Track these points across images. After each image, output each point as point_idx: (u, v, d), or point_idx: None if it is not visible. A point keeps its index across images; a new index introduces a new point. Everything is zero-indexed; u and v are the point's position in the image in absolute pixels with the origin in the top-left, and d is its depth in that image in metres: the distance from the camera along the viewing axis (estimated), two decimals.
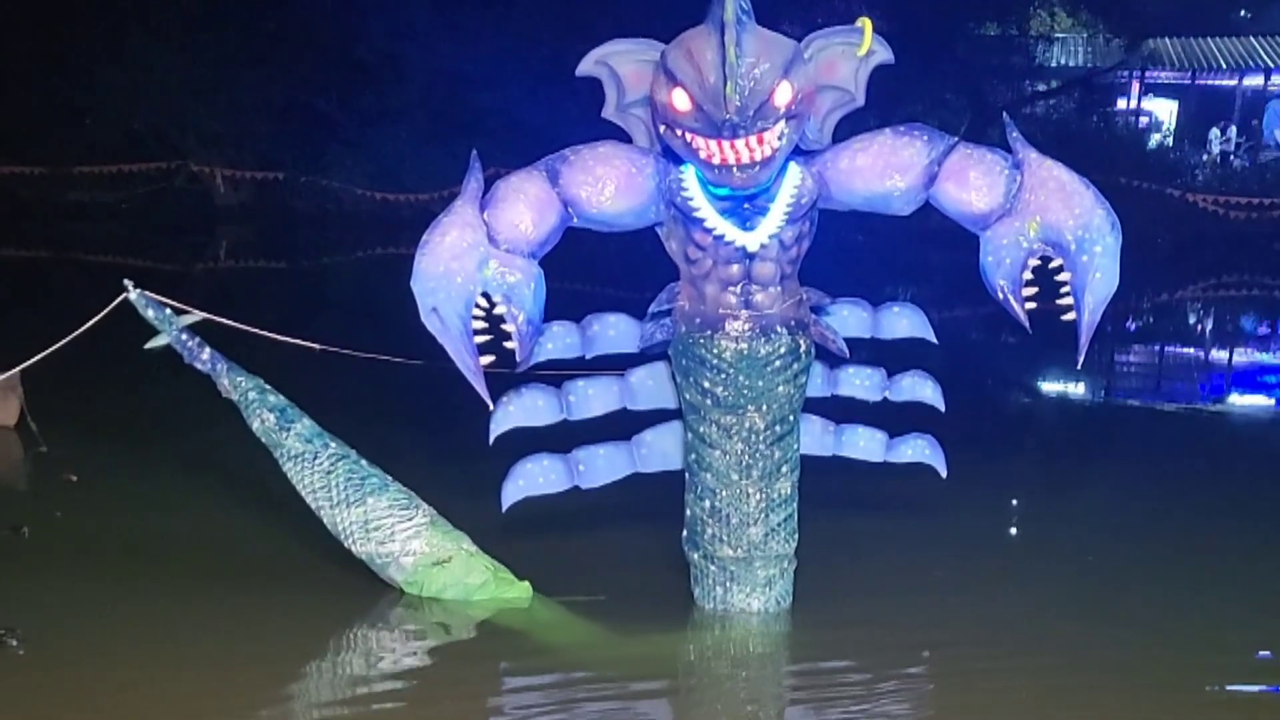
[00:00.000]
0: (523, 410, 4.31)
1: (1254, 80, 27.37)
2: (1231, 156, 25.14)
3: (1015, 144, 3.91)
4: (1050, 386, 10.03)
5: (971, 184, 3.93)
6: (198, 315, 4.66)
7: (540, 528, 4.87)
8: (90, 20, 21.63)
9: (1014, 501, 6.18)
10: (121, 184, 22.53)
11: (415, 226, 4.22)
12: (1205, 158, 24.42)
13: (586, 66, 4.04)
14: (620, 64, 4.00)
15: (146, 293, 4.58)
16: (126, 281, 4.52)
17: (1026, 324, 3.94)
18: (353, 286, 15.75)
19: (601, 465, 4.49)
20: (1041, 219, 3.85)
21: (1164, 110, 28.67)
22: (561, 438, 4.47)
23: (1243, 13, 29.40)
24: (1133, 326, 13.23)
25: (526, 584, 4.63)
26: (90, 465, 6.16)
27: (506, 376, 4.13)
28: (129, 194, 22.30)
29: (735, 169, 3.68)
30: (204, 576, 4.79)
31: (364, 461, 4.64)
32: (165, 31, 21.86)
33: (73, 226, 19.47)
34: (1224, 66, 27.34)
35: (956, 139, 4.01)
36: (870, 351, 4.67)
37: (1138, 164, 21.37)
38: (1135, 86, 27.48)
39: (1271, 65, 26.93)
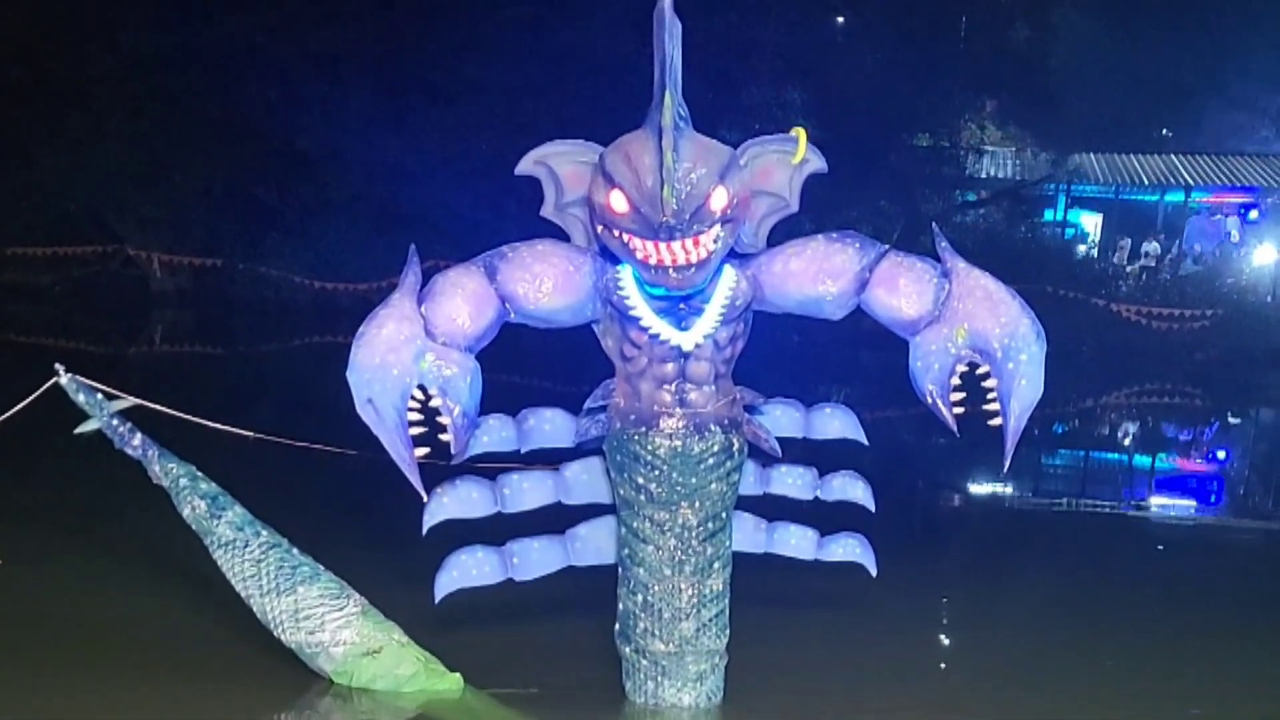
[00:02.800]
0: (457, 502, 4.30)
1: (1175, 196, 28.13)
2: (1156, 269, 25.72)
3: (944, 253, 3.99)
4: (978, 488, 10.12)
5: (901, 291, 3.99)
6: (129, 401, 4.63)
7: (473, 619, 4.84)
8: (28, 102, 21.53)
9: (944, 599, 6.21)
10: (56, 266, 22.33)
11: (353, 316, 4.23)
12: (1128, 269, 24.96)
13: (526, 166, 4.10)
14: (559, 164, 4.06)
15: (78, 377, 4.55)
16: (58, 365, 4.49)
17: (954, 428, 4.00)
18: (289, 374, 15.60)
19: (535, 558, 4.48)
20: (969, 326, 3.92)
21: (1090, 222, 29.26)
22: (496, 530, 4.46)
23: (1164, 131, 30.37)
24: (1058, 431, 13.41)
25: (458, 675, 4.58)
26: (19, 550, 6.02)
27: (441, 468, 4.13)
28: (64, 276, 22.10)
29: (671, 270, 3.72)
30: (132, 666, 4.70)
31: (295, 550, 4.60)
32: (105, 116, 21.79)
33: (6, 308, 19.17)
34: (1146, 182, 28.08)
35: (888, 247, 4.08)
36: (802, 451, 4.72)
37: (1064, 273, 21.75)
38: (1062, 199, 28.10)
39: (1191, 183, 27.71)
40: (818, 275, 4.01)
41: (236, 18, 20.86)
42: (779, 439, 4.39)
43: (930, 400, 4.00)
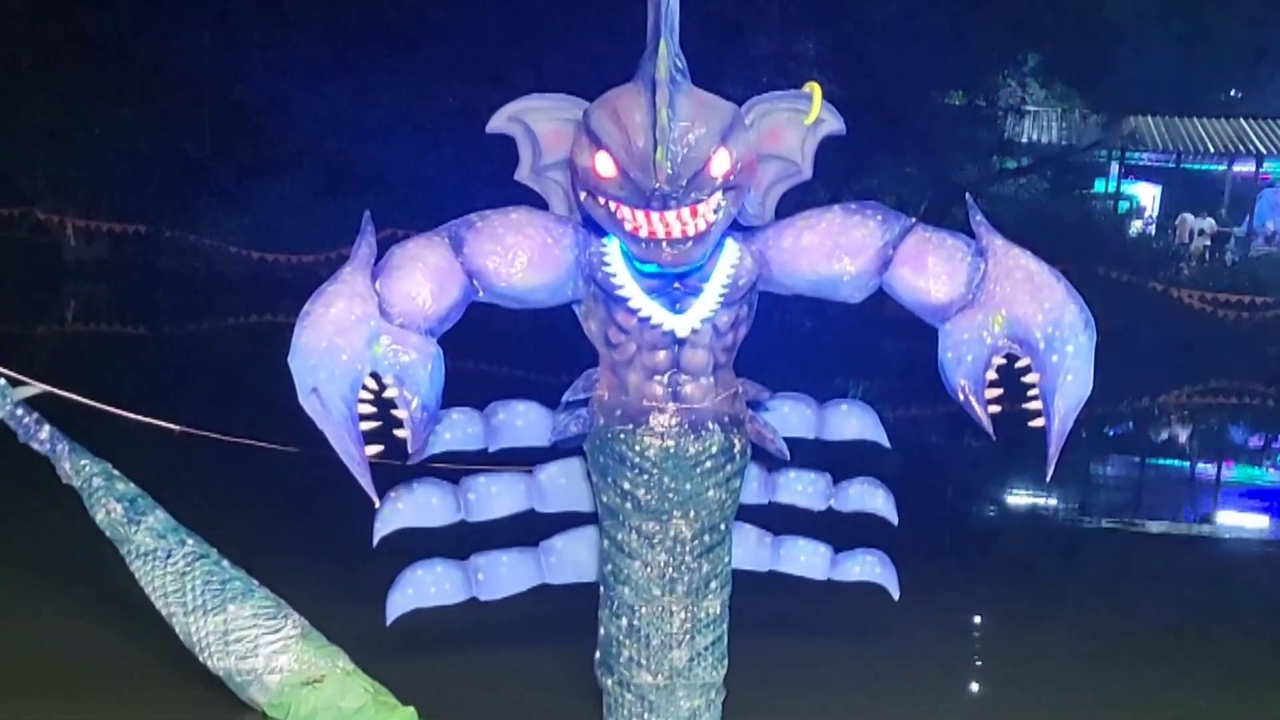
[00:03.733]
0: (413, 508, 4.28)
1: (1245, 166, 28.19)
2: (1212, 248, 25.77)
3: (979, 228, 3.97)
4: (1017, 499, 10.13)
5: (930, 271, 3.96)
6: (37, 388, 4.61)
7: (431, 644, 4.84)
8: None
9: (976, 628, 6.22)
10: None
11: (297, 292, 4.20)
12: (1190, 247, 24.98)
13: (499, 123, 4.07)
14: (537, 121, 4.04)
15: None
16: None
17: (989, 428, 3.97)
18: (222, 358, 15.56)
19: (504, 574, 4.46)
20: (1007, 312, 3.89)
21: (1146, 195, 29.38)
22: (459, 541, 4.45)
23: (1232, 92, 30.39)
24: (1110, 434, 13.45)
25: (411, 710, 4.57)
26: None
27: (397, 469, 4.11)
28: None
29: (665, 244, 3.70)
30: (36, 694, 4.69)
31: (226, 562, 4.59)
32: (12, 61, 21.63)
33: None
34: (1211, 150, 28.14)
35: (914, 220, 4.04)
36: (815, 454, 4.71)
37: (1117, 254, 21.74)
38: (1115, 168, 28.16)
39: (1263, 151, 27.76)
40: (833, 251, 3.98)
41: None
42: (788, 439, 4.37)
43: (962, 397, 3.98)
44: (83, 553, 4.91)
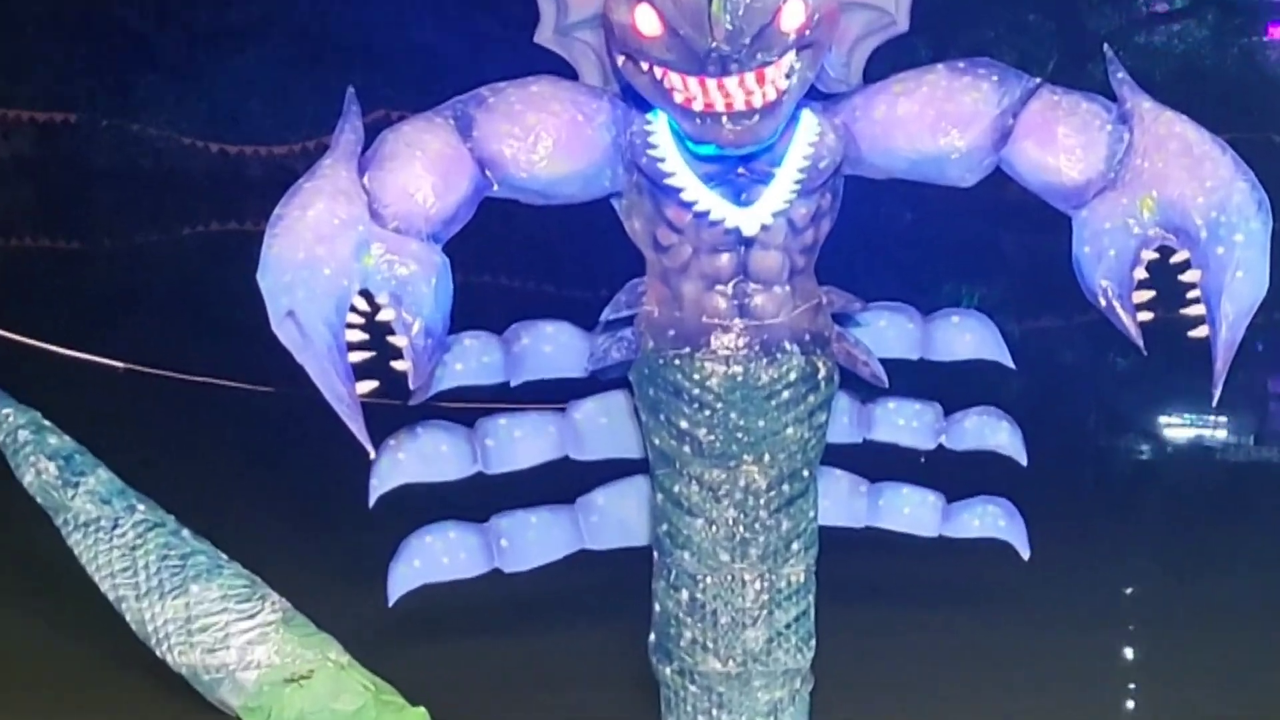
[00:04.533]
0: (418, 459, 4.28)
1: None
2: None
3: (1122, 88, 3.90)
4: (1175, 430, 10.12)
5: (1060, 144, 3.91)
6: None
7: (444, 630, 4.87)
8: None
9: (1127, 591, 6.22)
10: None
11: (267, 192, 4.20)
12: None
13: None
14: None
15: None
16: None
17: (1139, 340, 3.93)
18: (176, 278, 15.69)
19: (533, 540, 4.46)
20: (1159, 194, 3.84)
21: None
22: (476, 499, 4.46)
23: None
24: None
25: (422, 711, 4.61)
26: None
27: (396, 410, 4.11)
28: None
29: (725, 119, 3.66)
30: None
31: (186, 532, 4.62)
32: None
33: None
34: None
35: (1040, 80, 3.98)
36: (920, 380, 4.69)
37: None
38: None
39: None
40: (938, 122, 3.93)
41: None
42: (886, 361, 4.35)
43: (1104, 302, 3.93)
44: (11, 523, 4.96)
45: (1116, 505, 8.02)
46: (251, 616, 4.52)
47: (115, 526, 4.54)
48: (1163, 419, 10.25)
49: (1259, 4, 26.48)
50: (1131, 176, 3.86)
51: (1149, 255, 3.86)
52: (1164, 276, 3.88)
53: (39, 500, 4.58)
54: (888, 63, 4.11)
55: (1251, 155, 3.91)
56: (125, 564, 4.52)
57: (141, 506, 4.60)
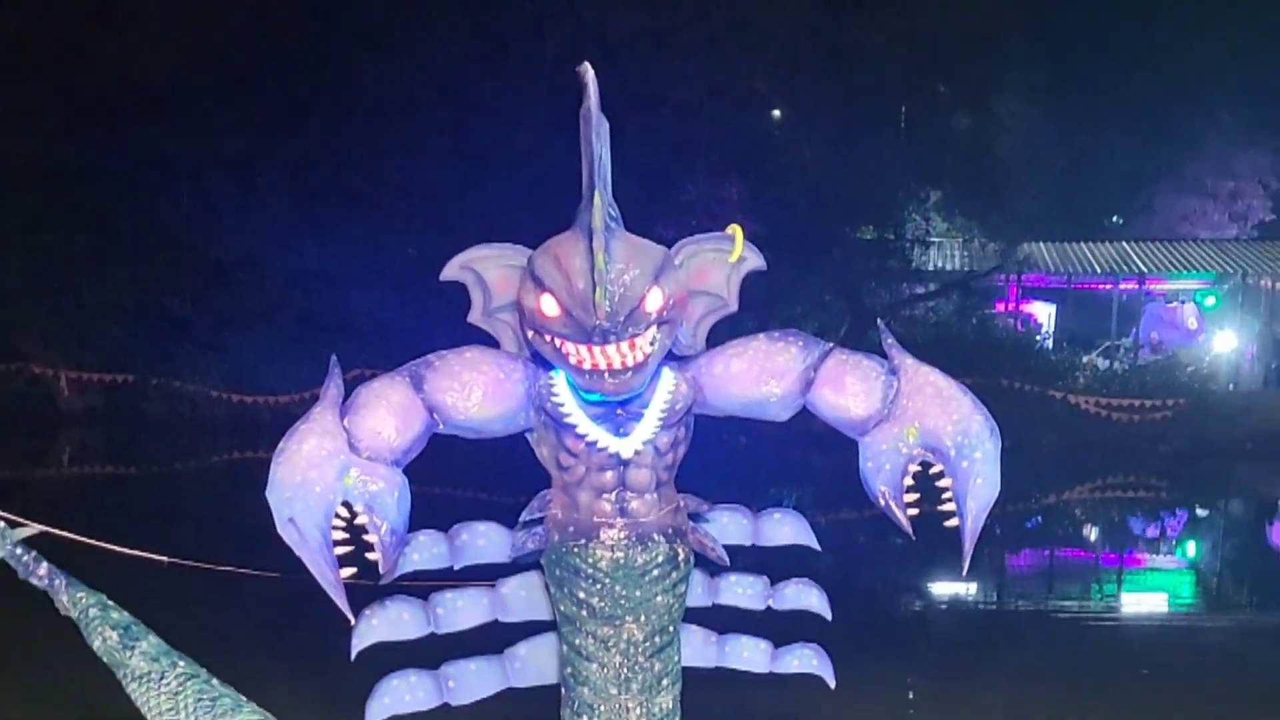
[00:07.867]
0: (387, 624, 4.24)
1: (1130, 285, 28.75)
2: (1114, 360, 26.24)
3: (890, 349, 4.00)
4: (939, 591, 10.15)
5: (848, 390, 3.99)
6: (33, 528, 4.57)
7: None
8: None
9: (909, 710, 6.19)
10: None
11: (274, 430, 4.19)
12: (1084, 360, 25.36)
13: (451, 271, 4.09)
14: (486, 269, 4.07)
15: None
16: None
17: (909, 530, 3.99)
18: (206, 494, 15.43)
19: (473, 680, 4.41)
20: (920, 425, 3.93)
21: (1043, 313, 29.78)
22: (430, 652, 4.40)
23: (1115, 218, 31.17)
24: (1021, 529, 13.50)
25: None
26: None
27: (369, 589, 4.08)
28: None
29: (607, 374, 3.72)
30: None
31: (215, 681, 4.50)
32: (5, 227, 21.60)
33: None
34: (1099, 271, 28.72)
35: (832, 345, 4.08)
36: (752, 559, 4.71)
37: (1019, 366, 22.02)
38: (1013, 289, 28.57)
39: (1145, 271, 28.36)
40: (760, 376, 4.02)
41: (143, 124, 20.88)
42: (727, 547, 4.36)
43: (883, 502, 4.00)
44: (85, 678, 4.82)
45: (898, 647, 8.02)
46: None
47: (162, 678, 4.43)
48: (928, 584, 10.31)
49: (988, 287, 27.17)
50: (900, 412, 3.95)
51: (914, 468, 3.95)
52: (925, 483, 3.97)
53: (104, 660, 4.47)
54: (723, 332, 4.19)
55: (987, 393, 4.07)
56: (170, 705, 4.41)
57: (182, 663, 4.50)
